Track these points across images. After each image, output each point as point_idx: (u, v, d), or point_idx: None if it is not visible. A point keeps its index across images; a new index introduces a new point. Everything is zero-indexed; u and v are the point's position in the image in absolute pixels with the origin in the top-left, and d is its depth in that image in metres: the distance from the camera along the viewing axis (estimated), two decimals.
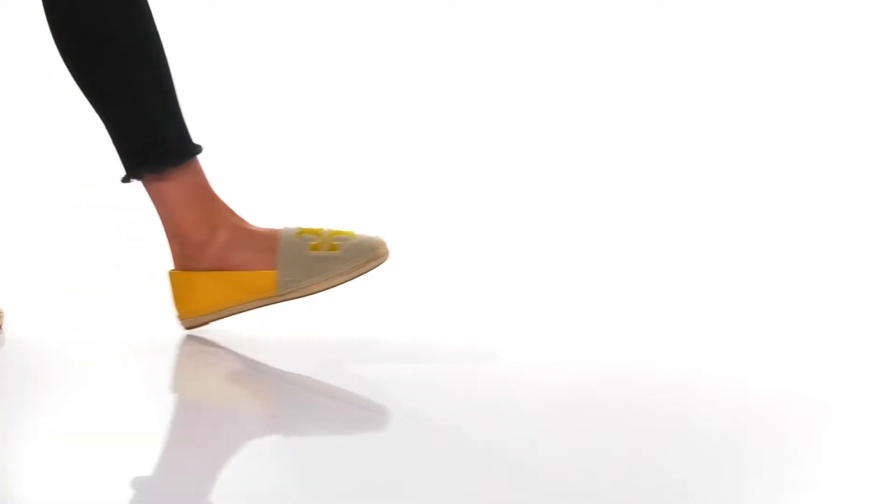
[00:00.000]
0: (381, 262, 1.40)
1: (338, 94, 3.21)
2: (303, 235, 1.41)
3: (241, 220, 1.44)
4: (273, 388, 1.34)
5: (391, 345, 1.46)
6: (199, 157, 1.44)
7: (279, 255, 1.40)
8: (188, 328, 1.44)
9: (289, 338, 1.55)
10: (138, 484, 0.99)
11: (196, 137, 1.44)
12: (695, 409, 1.22)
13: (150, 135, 1.43)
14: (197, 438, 1.13)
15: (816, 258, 2.25)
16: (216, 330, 1.60)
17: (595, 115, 3.41)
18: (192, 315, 1.43)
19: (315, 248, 1.39)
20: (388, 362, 1.42)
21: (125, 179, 1.47)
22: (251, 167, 3.04)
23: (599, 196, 2.98)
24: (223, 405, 1.23)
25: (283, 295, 1.40)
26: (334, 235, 1.41)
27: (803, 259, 2.24)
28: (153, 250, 2.23)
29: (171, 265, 1.47)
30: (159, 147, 1.43)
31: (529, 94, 3.34)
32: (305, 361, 1.44)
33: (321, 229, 1.42)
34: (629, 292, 1.89)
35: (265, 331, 1.60)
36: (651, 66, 3.45)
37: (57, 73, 1.61)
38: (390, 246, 1.42)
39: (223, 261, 1.41)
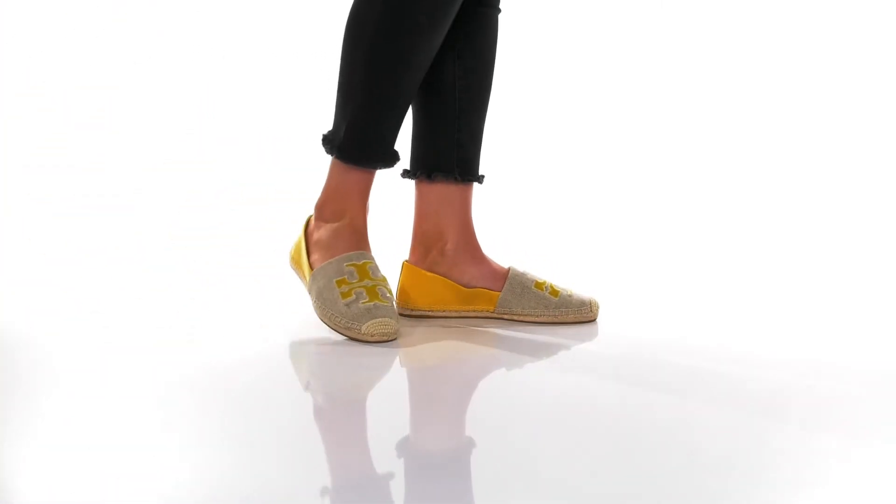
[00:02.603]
0: (585, 320, 1.60)
1: None
2: (528, 275, 1.62)
3: (478, 245, 1.64)
4: (278, 386, 1.34)
5: (405, 341, 1.47)
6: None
7: (508, 282, 1.60)
8: (402, 314, 1.64)
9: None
10: (138, 485, 0.99)
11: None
12: (695, 409, 1.22)
13: (465, 151, 1.62)
14: (208, 436, 1.13)
15: (817, 259, 2.25)
16: (256, 337, 1.60)
17: (594, 115, 3.41)
18: (412, 307, 1.62)
19: (539, 286, 1.61)
20: (392, 362, 1.43)
21: (412, 176, 1.64)
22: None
23: (598, 196, 2.98)
24: (243, 408, 1.23)
25: (498, 314, 1.61)
26: (556, 287, 1.62)
27: (803, 259, 2.24)
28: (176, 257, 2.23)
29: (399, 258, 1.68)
30: (473, 165, 1.63)
31: (529, 93, 3.34)
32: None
33: (546, 281, 1.63)
34: (629, 292, 1.89)
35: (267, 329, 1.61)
36: (651, 66, 3.45)
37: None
38: (600, 310, 1.63)
39: (456, 272, 1.62)
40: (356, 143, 1.53)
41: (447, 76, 1.60)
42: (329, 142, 1.55)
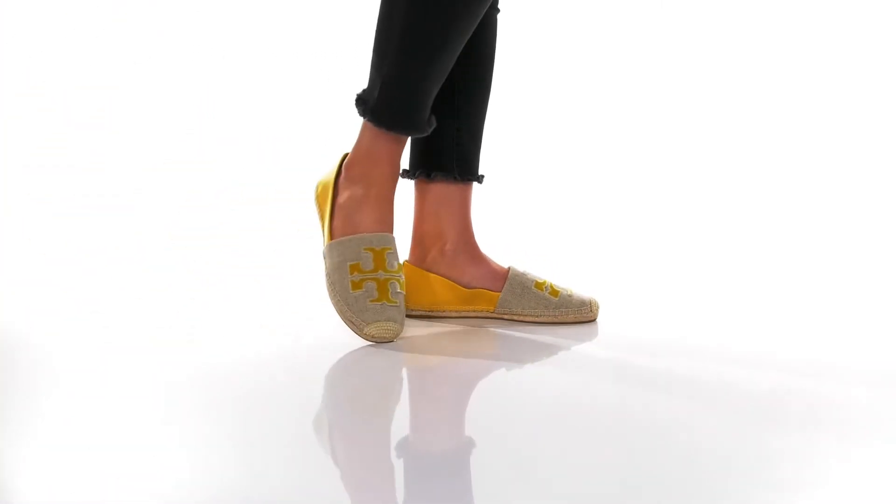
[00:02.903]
0: (585, 320, 1.60)
1: None
2: (528, 275, 1.62)
3: (477, 245, 1.64)
4: (281, 385, 1.34)
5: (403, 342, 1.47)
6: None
7: (508, 282, 1.60)
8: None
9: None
10: (138, 485, 0.99)
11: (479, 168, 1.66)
12: (695, 409, 1.22)
13: (464, 151, 1.62)
14: (211, 437, 1.13)
15: (816, 259, 2.25)
16: (262, 339, 1.60)
17: (594, 114, 3.41)
18: (412, 307, 1.62)
19: (539, 286, 1.60)
20: (393, 362, 1.43)
21: (411, 175, 1.63)
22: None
23: (598, 195, 2.98)
24: (243, 410, 1.23)
25: (498, 314, 1.61)
26: (556, 287, 1.62)
27: (803, 259, 2.24)
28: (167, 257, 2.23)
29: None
30: (473, 165, 1.63)
31: (529, 93, 3.34)
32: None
33: (546, 281, 1.62)
34: (629, 292, 1.89)
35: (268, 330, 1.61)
36: (651, 66, 3.45)
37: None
38: (600, 310, 1.63)
39: (456, 272, 1.61)
40: (389, 105, 1.49)
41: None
42: (363, 102, 1.51)
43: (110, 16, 3.40)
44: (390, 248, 1.51)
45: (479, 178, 1.64)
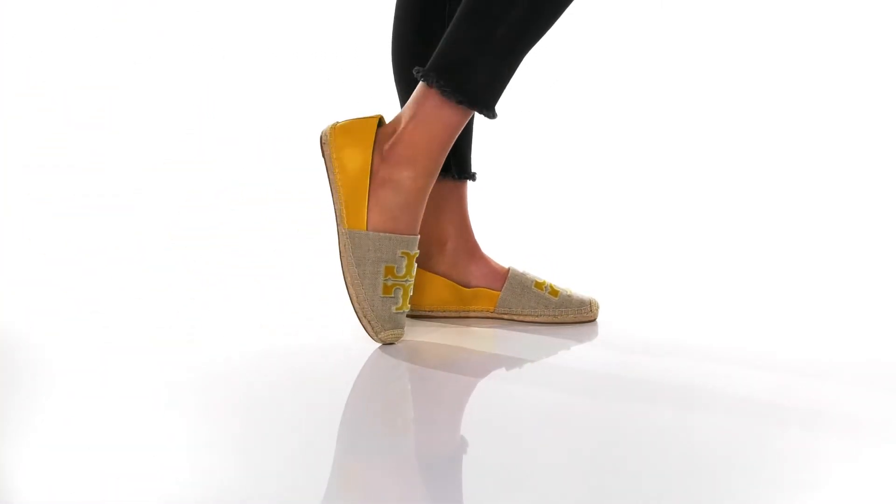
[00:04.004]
0: (585, 320, 1.60)
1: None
2: (528, 275, 1.61)
3: (477, 244, 1.63)
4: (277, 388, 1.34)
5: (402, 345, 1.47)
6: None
7: (507, 282, 1.60)
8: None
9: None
10: (138, 485, 0.99)
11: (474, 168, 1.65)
12: (695, 410, 1.22)
13: (459, 150, 1.60)
14: (212, 439, 1.13)
15: (816, 259, 2.25)
16: (266, 340, 1.60)
17: (594, 114, 3.41)
18: (412, 307, 1.59)
19: (539, 286, 1.60)
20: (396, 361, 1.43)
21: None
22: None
23: (598, 195, 2.98)
24: (244, 409, 1.23)
25: (498, 314, 1.60)
26: (556, 287, 1.62)
27: (803, 259, 2.24)
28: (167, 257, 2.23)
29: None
30: (467, 163, 1.62)
31: (529, 93, 3.34)
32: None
33: (546, 281, 1.62)
34: (629, 292, 1.89)
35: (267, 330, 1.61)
36: (651, 66, 3.45)
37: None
38: (600, 310, 1.62)
39: (456, 272, 1.61)
40: (487, 79, 1.41)
41: None
42: (443, 72, 1.40)
43: (110, 16, 3.39)
44: (418, 253, 1.48)
45: (473, 176, 1.63)
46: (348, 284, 1.45)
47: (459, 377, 1.38)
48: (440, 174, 1.59)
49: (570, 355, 1.48)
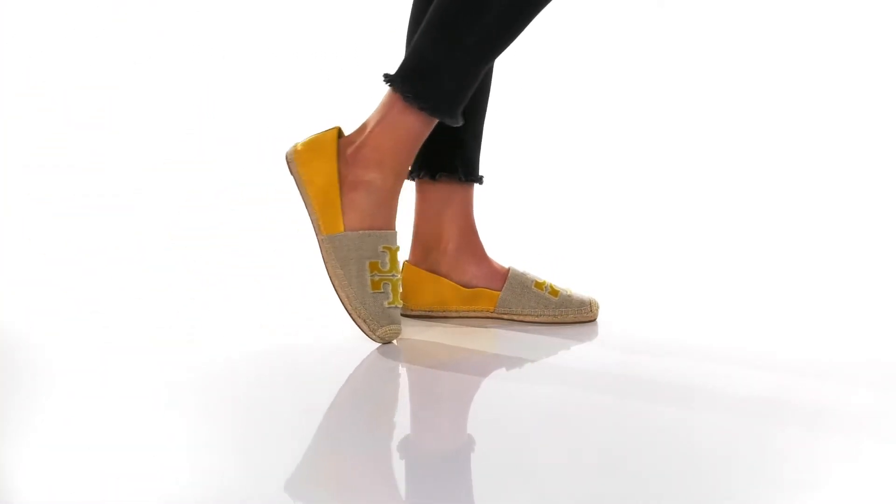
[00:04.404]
0: (585, 320, 1.60)
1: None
2: (528, 275, 1.61)
3: (481, 245, 1.63)
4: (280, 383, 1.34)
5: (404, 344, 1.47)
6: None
7: (508, 282, 1.59)
8: (402, 315, 1.59)
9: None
10: (138, 485, 0.99)
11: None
12: (695, 409, 1.22)
13: (467, 151, 1.61)
14: (212, 438, 1.13)
15: (816, 259, 2.25)
16: (268, 339, 1.60)
17: (594, 115, 3.41)
18: (412, 307, 1.61)
19: (539, 286, 1.60)
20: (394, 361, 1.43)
21: (414, 176, 1.61)
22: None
23: (598, 196, 2.98)
24: (243, 408, 1.23)
25: (498, 314, 1.60)
26: (556, 287, 1.62)
27: (803, 259, 2.24)
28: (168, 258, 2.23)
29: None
30: (474, 165, 1.62)
31: (530, 94, 3.34)
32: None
33: (546, 281, 1.62)
34: (629, 292, 1.89)
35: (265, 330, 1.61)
36: (651, 67, 3.45)
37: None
38: (600, 310, 1.62)
39: (456, 272, 1.61)
40: (450, 90, 1.45)
41: None
42: (407, 80, 1.44)
43: (110, 16, 3.39)
44: (399, 248, 1.50)
45: (480, 179, 1.64)
46: (337, 288, 1.47)
47: (460, 377, 1.38)
48: (445, 175, 1.59)
49: (570, 355, 1.48)
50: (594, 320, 1.61)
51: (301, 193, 1.51)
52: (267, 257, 2.17)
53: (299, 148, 1.52)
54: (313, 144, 1.51)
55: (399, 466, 1.05)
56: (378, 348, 1.45)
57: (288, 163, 1.52)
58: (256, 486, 0.98)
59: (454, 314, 1.61)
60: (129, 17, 3.40)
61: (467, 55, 1.45)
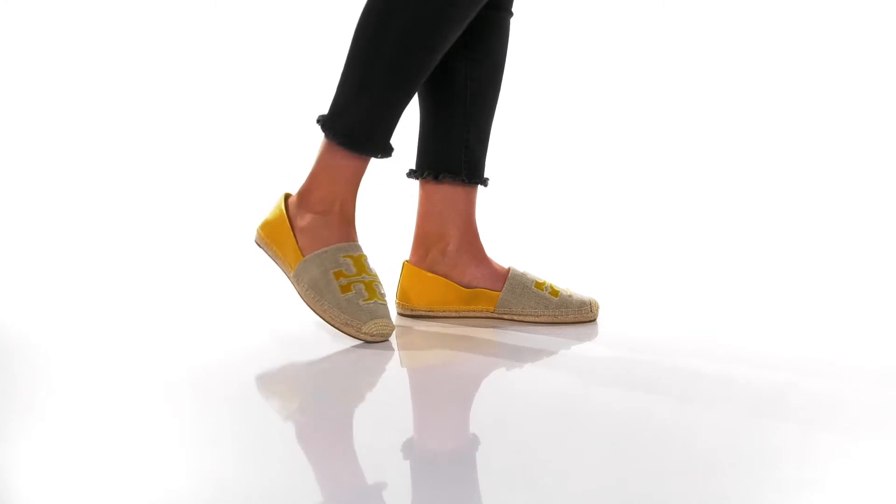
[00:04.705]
0: (585, 320, 1.61)
1: None
2: (528, 275, 1.62)
3: (482, 246, 1.64)
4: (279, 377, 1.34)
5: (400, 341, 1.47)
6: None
7: (508, 282, 1.60)
8: (402, 315, 1.65)
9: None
10: (138, 485, 0.99)
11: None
12: (695, 409, 1.22)
13: (472, 153, 1.62)
14: (209, 438, 1.13)
15: (816, 258, 2.25)
16: (269, 338, 1.60)
17: (595, 116, 3.41)
18: (412, 307, 1.62)
19: (539, 286, 1.61)
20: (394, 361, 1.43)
21: (418, 176, 1.63)
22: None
23: (598, 196, 2.98)
24: (241, 407, 1.23)
25: (498, 314, 1.61)
26: (556, 287, 1.63)
27: (803, 259, 2.24)
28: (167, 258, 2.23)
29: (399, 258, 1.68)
30: (479, 167, 1.63)
31: (531, 95, 3.34)
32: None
33: (546, 281, 1.63)
34: (629, 292, 1.89)
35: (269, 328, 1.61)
36: (652, 70, 3.45)
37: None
38: (600, 310, 1.63)
39: (456, 272, 1.62)
40: (364, 129, 1.50)
41: (458, 77, 1.59)
42: (330, 126, 1.50)
43: (110, 16, 3.39)
44: (365, 256, 1.52)
45: (485, 182, 1.64)
46: (317, 311, 1.49)
47: (460, 377, 1.38)
48: (448, 176, 1.59)
49: (570, 355, 1.48)
50: (594, 320, 1.61)
51: (277, 265, 1.57)
52: (267, 257, 2.16)
53: (261, 229, 1.59)
54: (268, 222, 1.58)
55: (399, 466, 1.05)
56: (378, 348, 1.45)
57: (259, 245, 1.60)
58: (257, 487, 0.98)
59: (454, 314, 1.62)
60: (129, 18, 3.40)
61: (374, 90, 1.49)
